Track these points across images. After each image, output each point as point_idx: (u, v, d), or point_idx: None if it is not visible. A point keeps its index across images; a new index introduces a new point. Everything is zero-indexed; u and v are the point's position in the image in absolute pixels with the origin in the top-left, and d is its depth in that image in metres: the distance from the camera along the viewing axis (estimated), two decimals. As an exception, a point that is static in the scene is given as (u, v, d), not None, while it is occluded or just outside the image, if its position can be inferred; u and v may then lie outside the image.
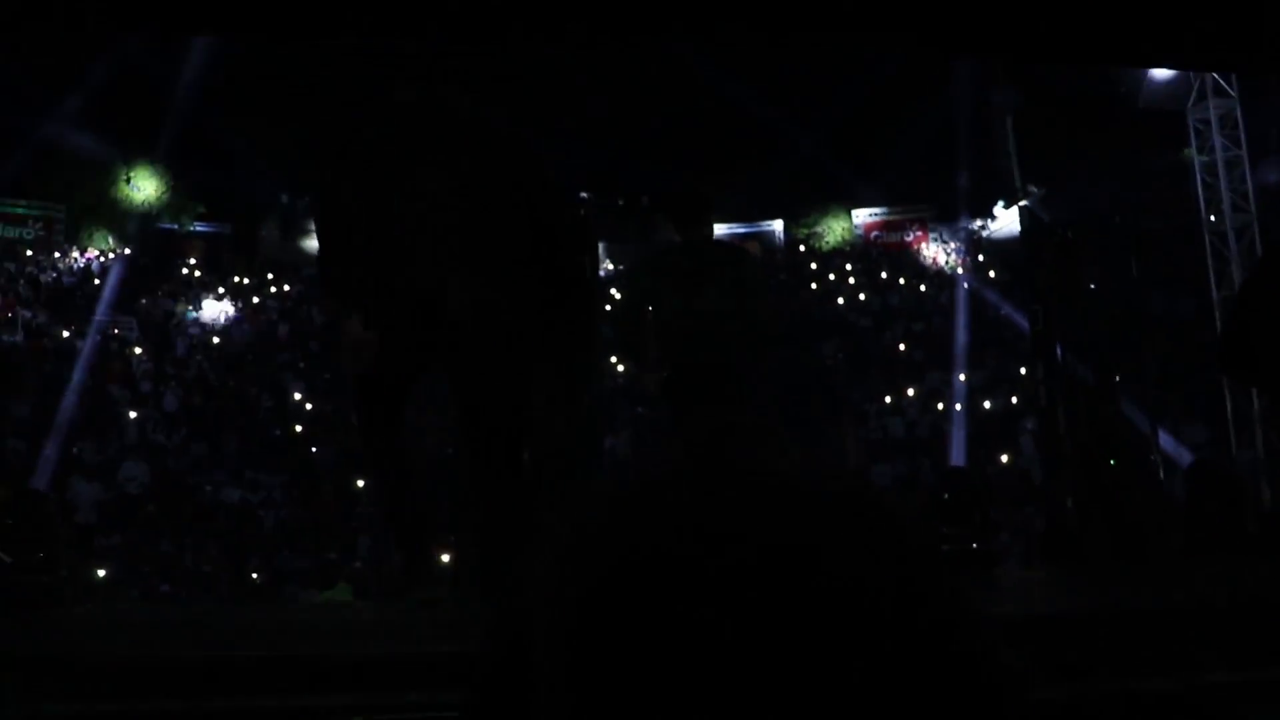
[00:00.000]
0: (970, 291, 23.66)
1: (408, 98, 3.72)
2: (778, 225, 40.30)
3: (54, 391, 20.75)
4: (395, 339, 3.58)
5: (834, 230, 39.66)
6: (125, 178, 35.74)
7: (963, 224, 17.77)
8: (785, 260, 37.01)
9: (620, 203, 41.02)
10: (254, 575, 14.01)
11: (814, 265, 35.66)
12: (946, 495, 5.26)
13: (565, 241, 3.85)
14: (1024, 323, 20.67)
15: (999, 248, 15.78)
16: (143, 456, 17.90)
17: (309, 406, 21.90)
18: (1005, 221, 13.11)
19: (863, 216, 39.51)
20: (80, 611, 6.41)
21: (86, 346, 23.11)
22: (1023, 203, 12.28)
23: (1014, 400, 19.64)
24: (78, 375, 21.47)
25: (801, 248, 38.83)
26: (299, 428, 20.16)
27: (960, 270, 28.15)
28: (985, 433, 18.09)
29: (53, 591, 6.70)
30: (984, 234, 15.39)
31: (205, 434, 19.83)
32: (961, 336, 21.80)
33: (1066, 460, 5.96)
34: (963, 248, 25.84)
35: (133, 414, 19.48)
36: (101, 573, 12.95)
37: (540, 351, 3.82)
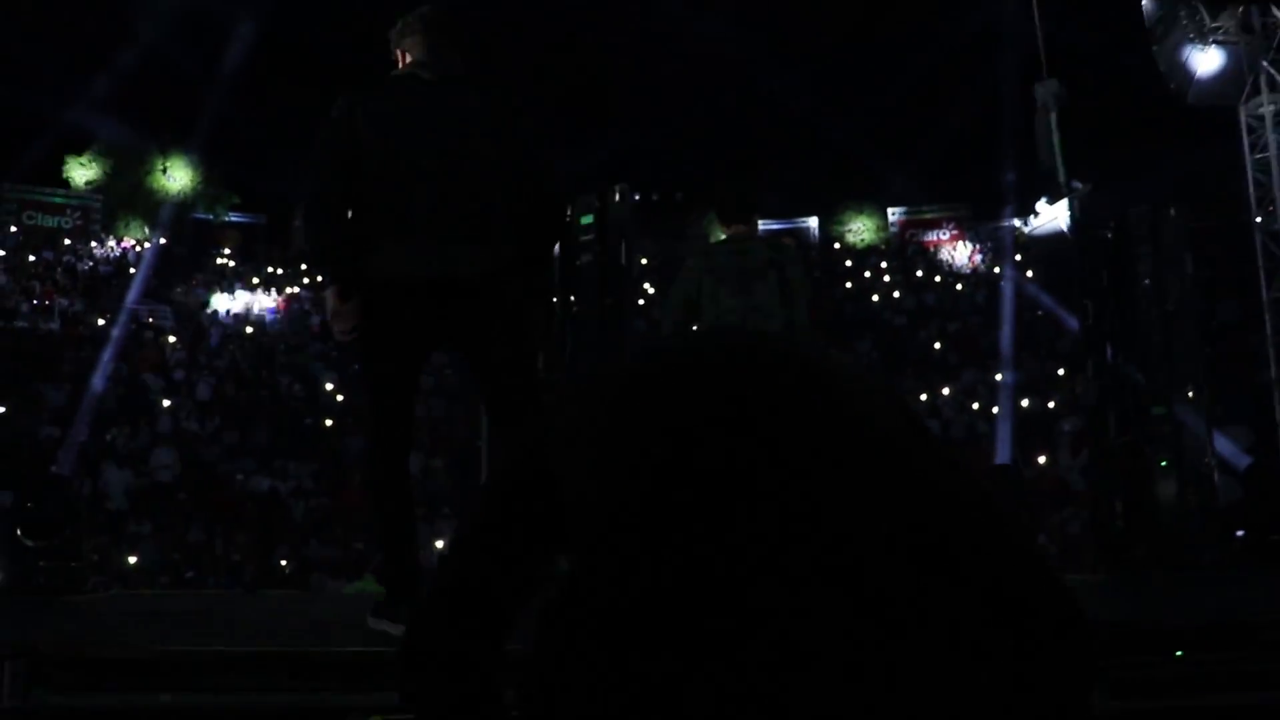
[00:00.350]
0: (1008, 290, 23.25)
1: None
2: (813, 222, 40.04)
3: (88, 379, 20.87)
4: (399, 321, 3.58)
5: (868, 227, 39.37)
6: (161, 168, 35.98)
7: (1005, 221, 17.43)
8: (820, 257, 36.69)
9: (654, 198, 40.95)
10: (283, 563, 13.97)
11: (849, 263, 35.36)
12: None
13: (537, 212, 3.78)
14: (1068, 320, 20.29)
15: (1040, 245, 15.42)
16: (174, 445, 17.94)
17: (340, 397, 21.91)
18: (1047, 218, 12.82)
19: (898, 214, 39.24)
20: (102, 598, 6.33)
21: (120, 335, 23.23)
22: (1072, 197, 11.99)
23: (1050, 404, 19.31)
24: (111, 363, 21.59)
25: (836, 245, 38.55)
26: (329, 420, 20.16)
27: (998, 269, 27.75)
28: (1022, 433, 17.75)
29: (75, 577, 6.64)
30: (1026, 230, 15.05)
31: (237, 423, 19.86)
32: (999, 335, 21.40)
33: (1114, 461, 5.72)
34: (1002, 245, 25.42)
35: (166, 402, 19.53)
36: (132, 559, 12.96)
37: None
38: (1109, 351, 5.91)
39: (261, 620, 4.10)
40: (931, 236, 37.96)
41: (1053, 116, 12.31)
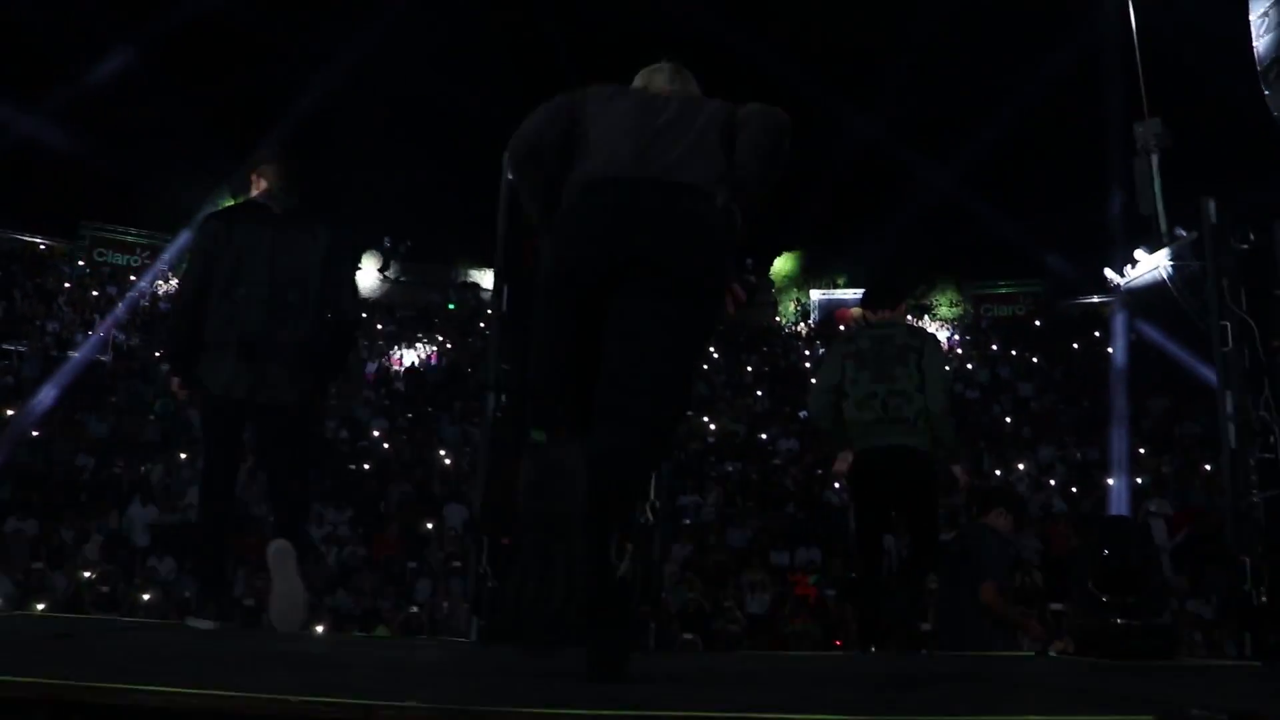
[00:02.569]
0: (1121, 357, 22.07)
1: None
2: (882, 293, 39.16)
3: (135, 413, 20.52)
4: (219, 418, 4.62)
5: (943, 302, 38.52)
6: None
7: (1107, 275, 16.40)
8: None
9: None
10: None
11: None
12: (1107, 552, 4.10)
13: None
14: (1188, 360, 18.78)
15: (1138, 297, 14.27)
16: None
17: (386, 445, 21.30)
18: (1146, 268, 11.78)
19: (974, 288, 38.38)
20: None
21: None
22: (1174, 246, 11.00)
23: (1139, 480, 17.96)
24: (160, 398, 21.24)
25: (910, 317, 37.56)
26: (369, 466, 19.53)
27: (1075, 344, 26.46)
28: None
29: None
30: (1122, 282, 13.92)
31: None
32: (1077, 410, 20.07)
33: (1253, 522, 4.68)
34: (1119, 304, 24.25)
35: (205, 438, 19.00)
36: (146, 596, 12.29)
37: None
38: (1267, 384, 4.92)
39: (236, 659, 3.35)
40: (1008, 311, 37.02)
41: (1154, 159, 11.31)
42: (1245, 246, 5.09)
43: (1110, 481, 17.55)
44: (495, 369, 4.74)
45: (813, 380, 6.10)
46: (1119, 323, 22.54)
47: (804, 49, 37.83)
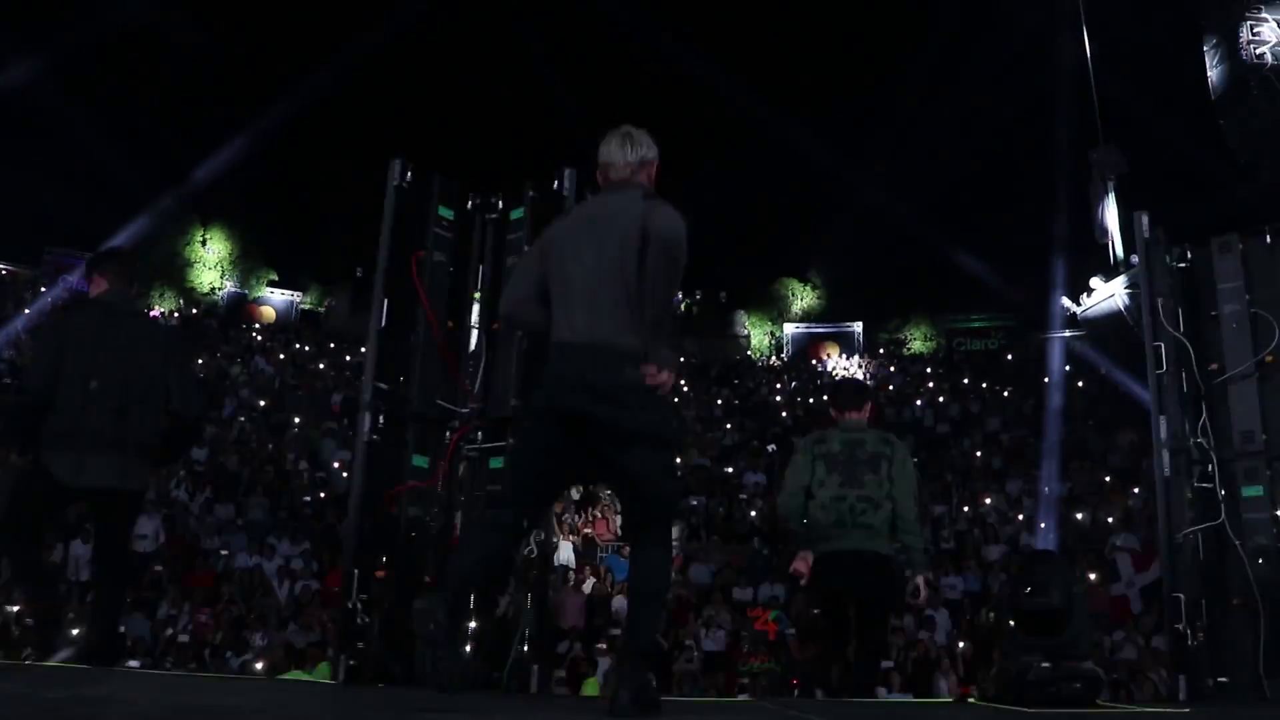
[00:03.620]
0: (1059, 396, 21.87)
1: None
2: (858, 327, 39.26)
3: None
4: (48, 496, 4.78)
5: (917, 336, 38.63)
6: (200, 239, 35.92)
7: (1055, 332, 16.22)
8: (864, 363, 35.63)
9: (697, 296, 40.37)
10: (249, 649, 12.76)
11: (892, 369, 34.29)
12: (1029, 589, 3.86)
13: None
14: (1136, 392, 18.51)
15: (1095, 326, 14.05)
16: (161, 513, 16.93)
17: (346, 475, 20.91)
18: (1102, 296, 11.56)
19: (947, 323, 38.50)
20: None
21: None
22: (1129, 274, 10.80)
23: (1110, 519, 17.77)
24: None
25: (881, 351, 37.56)
26: (324, 495, 19.13)
27: (1046, 379, 26.40)
28: (1071, 548, 16.23)
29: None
30: (1079, 311, 13.70)
31: (233, 496, 18.90)
32: (1045, 444, 19.87)
33: (1191, 559, 4.43)
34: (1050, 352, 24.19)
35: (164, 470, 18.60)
36: (75, 632, 11.79)
37: None
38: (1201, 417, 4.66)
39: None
40: (980, 345, 37.12)
41: (1110, 185, 11.16)
42: (1182, 265, 4.88)
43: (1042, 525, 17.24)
44: (371, 387, 4.43)
45: (784, 476, 5.78)
46: (1056, 353, 22.50)
47: (771, 87, 38.04)
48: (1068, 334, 30.83)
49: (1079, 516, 18.07)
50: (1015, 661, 3.86)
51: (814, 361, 36.65)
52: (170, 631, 13.42)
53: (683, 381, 31.84)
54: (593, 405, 3.39)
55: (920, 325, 38.84)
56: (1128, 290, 10.68)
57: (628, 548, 13.92)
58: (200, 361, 27.15)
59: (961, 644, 13.01)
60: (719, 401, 29.30)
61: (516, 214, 4.41)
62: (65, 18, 33.31)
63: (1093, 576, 14.56)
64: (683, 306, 38.30)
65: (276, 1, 37.53)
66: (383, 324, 4.33)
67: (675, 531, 18.58)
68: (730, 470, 22.34)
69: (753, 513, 19.68)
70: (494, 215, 4.52)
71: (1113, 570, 15.40)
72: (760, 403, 29.58)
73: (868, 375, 32.85)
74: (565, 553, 17.45)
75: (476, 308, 4.55)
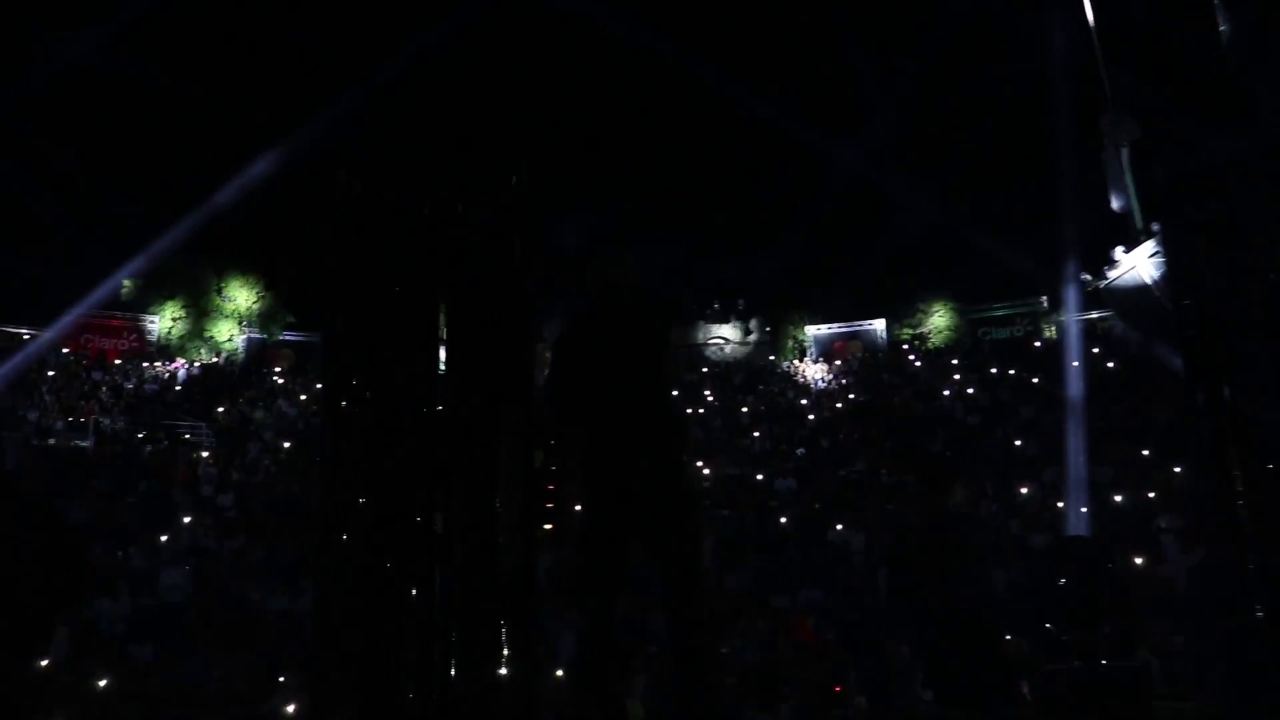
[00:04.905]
0: (1091, 377, 21.36)
1: None
2: (879, 324, 38.79)
3: (116, 496, 20.05)
4: None
5: (939, 328, 38.11)
6: (216, 288, 36.05)
7: (1073, 278, 15.70)
8: (888, 360, 35.18)
9: (715, 305, 40.07)
10: (275, 690, 12.56)
11: (918, 363, 33.81)
12: (1064, 581, 3.57)
13: None
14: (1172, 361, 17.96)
15: (1120, 300, 13.53)
16: (190, 561, 16.83)
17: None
18: (1125, 268, 11.17)
19: (971, 313, 37.95)
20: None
21: (152, 452, 22.56)
22: (1151, 244, 10.38)
23: (1150, 494, 17.33)
24: (142, 480, 20.82)
25: (905, 346, 37.09)
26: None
27: (1076, 363, 25.84)
28: (1115, 533, 15.78)
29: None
30: (1100, 285, 13.17)
31: (262, 540, 18.78)
32: (1082, 427, 19.37)
33: (1246, 543, 4.08)
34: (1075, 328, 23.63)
35: (186, 519, 18.50)
36: (103, 683, 11.72)
37: None
38: (1227, 391, 4.25)
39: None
40: (1005, 334, 36.55)
41: (1124, 153, 10.78)
42: (1204, 216, 4.51)
43: (1082, 506, 16.69)
44: (331, 403, 4.11)
45: None
46: (1083, 335, 21.95)
47: (783, 84, 37.75)
48: (1093, 315, 30.37)
49: (1118, 499, 17.63)
50: (1052, 661, 3.57)
51: (838, 362, 36.22)
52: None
53: (707, 392, 31.56)
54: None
55: (941, 315, 38.35)
56: (1152, 258, 10.30)
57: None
58: (221, 410, 27.15)
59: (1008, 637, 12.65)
60: (744, 409, 28.97)
61: (476, 216, 4.15)
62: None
63: (1139, 561, 14.11)
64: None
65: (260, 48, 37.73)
66: (335, 338, 4.05)
67: (708, 542, 18.35)
68: (761, 477, 22.02)
69: (783, 519, 19.35)
70: (454, 223, 4.25)
71: (1159, 552, 14.96)
72: (787, 407, 29.24)
73: (836, 379, 32.57)
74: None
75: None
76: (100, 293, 32.57)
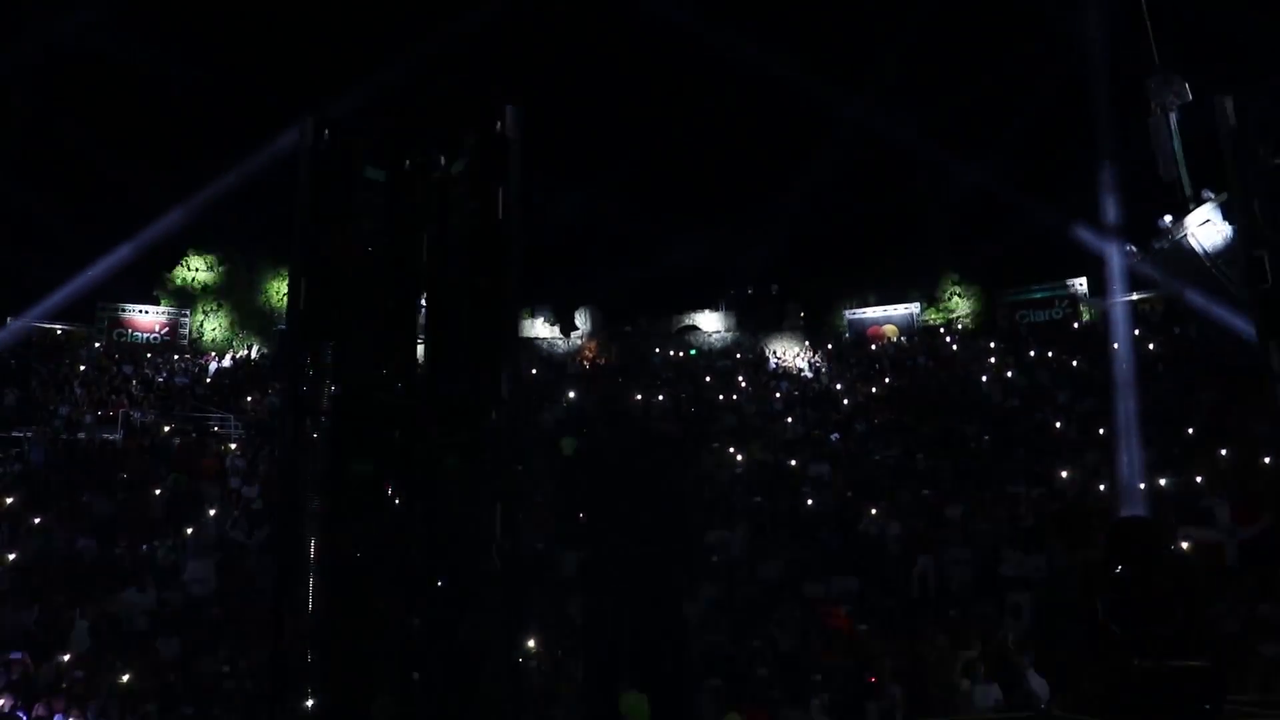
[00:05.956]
0: (1133, 357, 20.67)
1: None
2: (915, 307, 38.28)
3: (143, 489, 19.95)
4: None
5: (973, 311, 37.59)
6: (248, 281, 36.10)
7: (1116, 251, 15.07)
8: (923, 343, 34.55)
9: (749, 291, 39.61)
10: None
11: (954, 346, 33.17)
12: (1121, 568, 3.16)
13: None
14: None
15: (1171, 266, 12.82)
16: (216, 555, 16.68)
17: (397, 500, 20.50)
18: (1174, 236, 10.63)
19: (1008, 296, 37.33)
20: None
21: (180, 444, 22.48)
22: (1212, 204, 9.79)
23: (1198, 478, 16.72)
24: (170, 474, 20.71)
25: (942, 330, 36.48)
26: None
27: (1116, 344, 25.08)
28: (1162, 514, 15.18)
29: None
30: (1145, 257, 12.39)
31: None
32: (1129, 406, 18.65)
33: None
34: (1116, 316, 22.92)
35: (211, 511, 18.36)
36: (125, 678, 11.57)
37: None
38: None
39: None
40: (1044, 316, 35.90)
41: (1172, 117, 10.23)
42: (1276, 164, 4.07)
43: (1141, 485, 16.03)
44: (292, 384, 3.77)
45: None
46: (1116, 312, 21.21)
47: (822, 65, 37.02)
48: (1134, 296, 29.62)
49: (1163, 482, 17.03)
50: (1110, 660, 3.13)
51: (872, 346, 35.65)
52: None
53: (741, 378, 31.09)
54: None
55: (977, 298, 37.84)
56: (1202, 227, 9.77)
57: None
58: (249, 399, 27.07)
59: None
60: (778, 395, 28.51)
61: (458, 167, 3.80)
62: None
63: (1185, 545, 13.54)
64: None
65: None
66: (301, 308, 3.72)
67: (741, 529, 17.96)
68: (794, 463, 21.57)
69: (818, 504, 18.93)
70: (438, 175, 3.90)
71: (1207, 518, 14.24)
72: (821, 393, 28.74)
73: (815, 369, 31.97)
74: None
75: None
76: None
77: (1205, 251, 10.35)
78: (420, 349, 3.79)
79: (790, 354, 34.99)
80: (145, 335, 34.35)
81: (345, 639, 3.52)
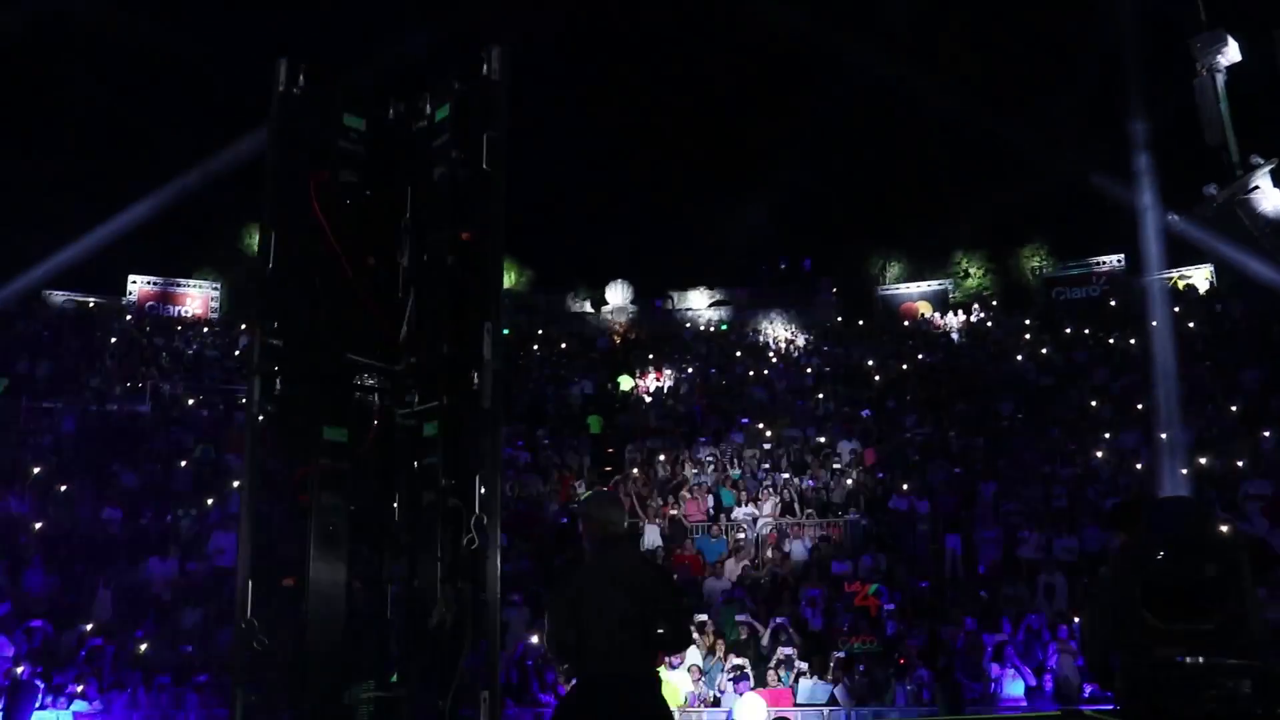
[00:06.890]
0: (1172, 335, 20.16)
1: None
2: (948, 283, 37.82)
3: (169, 461, 20.00)
4: None
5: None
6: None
7: (1158, 221, 14.59)
8: (960, 321, 34.05)
9: (782, 266, 39.20)
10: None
11: (990, 324, 32.66)
12: (1162, 555, 2.88)
13: None
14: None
15: (1220, 232, 12.25)
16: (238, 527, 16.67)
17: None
18: (1218, 204, 10.18)
19: (1045, 273, 36.81)
20: None
21: (209, 416, 22.54)
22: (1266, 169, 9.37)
23: (1240, 463, 16.32)
24: (197, 445, 20.75)
25: (976, 305, 35.95)
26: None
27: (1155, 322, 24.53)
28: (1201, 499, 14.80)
29: None
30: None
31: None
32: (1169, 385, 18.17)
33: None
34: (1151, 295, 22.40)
35: (236, 483, 18.34)
36: (144, 648, 11.59)
37: None
38: None
39: None
40: (1081, 293, 35.29)
41: (1219, 79, 9.80)
42: None
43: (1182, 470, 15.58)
44: (259, 346, 3.58)
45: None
46: (1155, 288, 20.64)
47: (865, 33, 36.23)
48: (1174, 273, 28.95)
49: (1203, 462, 16.62)
50: (1149, 656, 2.83)
51: (905, 323, 35.21)
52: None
53: (772, 354, 30.77)
54: None
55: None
56: (1251, 193, 9.35)
57: (715, 527, 13.24)
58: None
59: (1078, 618, 11.71)
60: (809, 370, 28.18)
61: (442, 113, 3.57)
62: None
63: (1224, 529, 13.15)
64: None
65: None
66: (270, 265, 3.51)
67: (768, 507, 17.75)
68: (823, 440, 21.29)
69: (848, 481, 18.64)
70: (422, 123, 3.67)
71: (1243, 520, 14.01)
72: (853, 369, 28.36)
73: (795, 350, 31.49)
74: (651, 536, 16.73)
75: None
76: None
77: (1261, 220, 9.91)
78: (399, 309, 3.59)
79: (780, 332, 34.60)
80: (177, 309, 34.51)
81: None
